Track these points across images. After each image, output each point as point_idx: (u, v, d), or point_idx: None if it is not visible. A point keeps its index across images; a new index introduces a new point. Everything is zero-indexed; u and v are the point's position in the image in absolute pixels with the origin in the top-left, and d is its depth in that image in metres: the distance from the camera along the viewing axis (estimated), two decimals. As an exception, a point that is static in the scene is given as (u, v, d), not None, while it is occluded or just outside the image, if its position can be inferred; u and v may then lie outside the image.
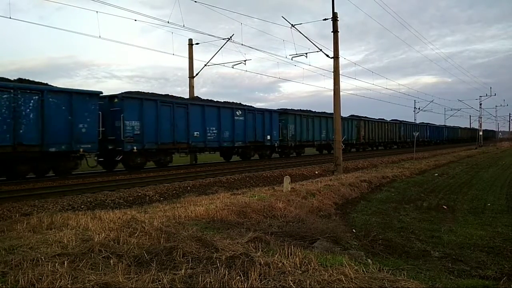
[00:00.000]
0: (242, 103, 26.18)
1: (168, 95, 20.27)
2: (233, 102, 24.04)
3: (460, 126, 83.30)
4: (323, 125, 31.28)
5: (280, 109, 28.24)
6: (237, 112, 22.41)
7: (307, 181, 14.28)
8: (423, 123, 59.08)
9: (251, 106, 24.94)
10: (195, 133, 19.41)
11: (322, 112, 32.70)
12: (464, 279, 5.10)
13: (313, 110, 32.27)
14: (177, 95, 21.12)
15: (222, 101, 23.27)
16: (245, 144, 23.15)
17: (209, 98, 23.45)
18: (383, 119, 44.60)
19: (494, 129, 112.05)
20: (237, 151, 24.17)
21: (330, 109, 21.18)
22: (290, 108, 31.19)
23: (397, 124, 47.82)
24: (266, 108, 24.84)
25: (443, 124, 71.62)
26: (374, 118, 41.99)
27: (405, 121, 51.04)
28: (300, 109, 30.76)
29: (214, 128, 20.66)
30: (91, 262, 4.23)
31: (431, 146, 54.89)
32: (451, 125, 77.19)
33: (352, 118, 36.85)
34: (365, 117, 39.83)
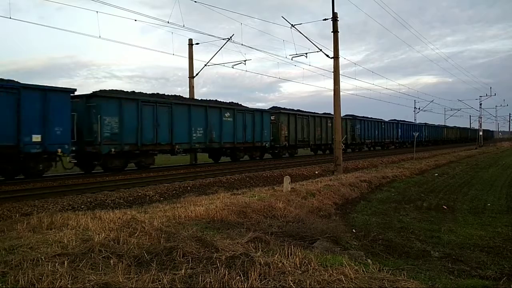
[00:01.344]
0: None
1: None
2: None
3: (447, 124, 72.44)
4: (198, 118, 19.31)
5: (92, 92, 15.79)
6: None
7: (307, 181, 14.28)
8: (394, 120, 47.55)
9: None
10: None
11: (199, 99, 21.94)
12: (464, 279, 5.10)
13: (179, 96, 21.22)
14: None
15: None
16: None
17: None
18: (328, 113, 32.08)
19: (491, 129, 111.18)
20: None
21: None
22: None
23: (348, 120, 34.97)
24: (31, 84, 13.15)
25: (424, 122, 59.93)
26: (306, 112, 30.00)
27: (364, 117, 39.19)
28: (142, 92, 18.63)
29: None
30: (91, 262, 4.23)
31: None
32: (434, 123, 64.43)
33: (266, 111, 25.38)
34: (293, 110, 28.60)
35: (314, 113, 31.38)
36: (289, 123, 26.84)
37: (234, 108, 22.50)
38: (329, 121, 31.12)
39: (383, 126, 42.74)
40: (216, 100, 22.96)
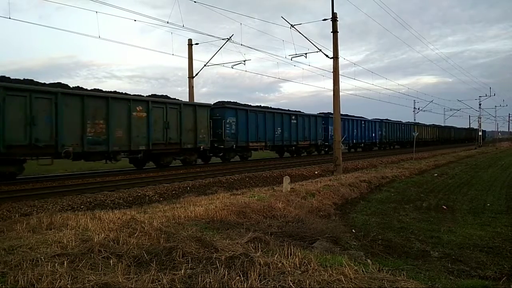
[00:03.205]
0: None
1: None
2: None
3: (422, 122, 57.86)
4: None
5: None
6: None
7: (307, 181, 14.28)
8: (321, 113, 31.71)
9: None
10: None
11: None
12: (464, 279, 5.10)
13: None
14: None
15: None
16: None
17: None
18: (175, 99, 19.32)
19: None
20: None
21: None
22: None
23: (201, 109, 19.62)
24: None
25: (383, 118, 43.95)
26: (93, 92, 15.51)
27: (255, 106, 25.15)
28: None
29: None
30: (91, 262, 4.23)
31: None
32: (401, 121, 49.61)
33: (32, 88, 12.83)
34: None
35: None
36: (93, 113, 14.68)
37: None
38: (171, 112, 17.82)
39: (293, 121, 27.04)
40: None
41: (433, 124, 62.25)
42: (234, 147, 21.92)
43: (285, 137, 26.28)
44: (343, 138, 30.60)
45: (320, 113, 31.96)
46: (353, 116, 36.44)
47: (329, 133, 30.44)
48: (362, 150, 38.75)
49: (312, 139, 29.53)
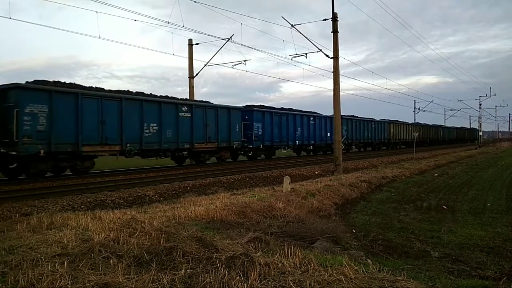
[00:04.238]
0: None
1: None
2: None
3: (393, 119, 45.16)
4: None
5: None
6: None
7: (307, 181, 14.28)
8: (243, 106, 24.65)
9: None
10: None
11: None
12: (464, 279, 5.10)
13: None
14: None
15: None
16: None
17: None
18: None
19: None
20: None
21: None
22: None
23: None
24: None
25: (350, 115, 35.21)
26: None
27: (82, 88, 14.81)
28: None
29: None
30: (91, 262, 4.23)
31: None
32: (373, 118, 39.62)
33: None
34: None
35: None
36: None
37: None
38: None
39: (184, 114, 18.51)
40: None
41: (417, 123, 54.73)
42: (42, 154, 13.06)
43: (167, 137, 17.56)
44: (280, 139, 23.95)
45: (245, 105, 25.15)
46: (298, 111, 28.55)
47: (254, 132, 23.23)
48: (313, 153, 30.34)
49: (221, 141, 20.84)
